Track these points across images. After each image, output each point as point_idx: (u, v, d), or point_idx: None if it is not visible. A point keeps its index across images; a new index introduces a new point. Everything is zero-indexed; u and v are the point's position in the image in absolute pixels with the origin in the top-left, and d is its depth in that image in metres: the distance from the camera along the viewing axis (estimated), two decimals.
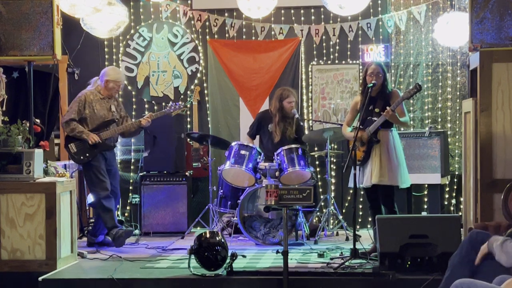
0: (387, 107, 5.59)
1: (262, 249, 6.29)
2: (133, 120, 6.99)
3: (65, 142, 6.56)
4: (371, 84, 5.65)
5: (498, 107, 5.31)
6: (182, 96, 8.20)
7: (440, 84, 7.82)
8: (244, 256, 5.37)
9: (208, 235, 5.27)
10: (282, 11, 8.08)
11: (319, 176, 7.77)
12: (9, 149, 5.46)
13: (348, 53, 8.04)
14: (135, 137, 7.80)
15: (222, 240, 5.26)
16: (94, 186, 6.49)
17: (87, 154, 6.44)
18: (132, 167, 8.16)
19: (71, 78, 8.15)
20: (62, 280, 5.25)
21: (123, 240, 6.39)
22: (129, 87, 8.17)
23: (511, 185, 4.58)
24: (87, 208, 7.63)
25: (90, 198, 7.47)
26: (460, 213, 6.89)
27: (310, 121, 8.02)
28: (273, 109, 7.23)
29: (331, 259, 5.59)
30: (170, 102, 7.17)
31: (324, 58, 8.08)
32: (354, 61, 8.02)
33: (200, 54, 8.22)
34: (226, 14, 8.16)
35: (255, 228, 6.55)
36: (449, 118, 7.77)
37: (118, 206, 7.35)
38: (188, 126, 8.07)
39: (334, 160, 7.72)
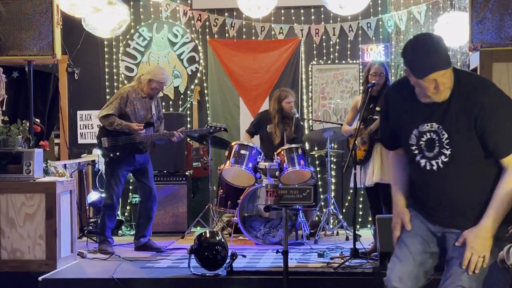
0: None
1: (262, 249, 6.29)
2: (164, 130, 6.45)
3: (98, 135, 6.26)
4: (372, 84, 5.65)
5: None
6: (182, 96, 8.21)
7: None
8: (244, 256, 5.37)
9: (208, 235, 5.27)
10: (282, 11, 8.08)
11: (319, 175, 7.77)
12: (9, 149, 5.46)
13: (348, 53, 8.04)
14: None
15: (222, 240, 5.26)
16: (105, 188, 6.39)
17: (118, 153, 6.17)
18: None
19: (71, 78, 8.16)
20: (62, 280, 5.25)
21: (103, 251, 6.18)
22: None
23: None
24: (87, 208, 7.63)
25: (90, 198, 7.49)
26: None
27: (310, 121, 8.02)
28: (272, 110, 7.20)
29: (331, 259, 5.59)
30: (210, 122, 6.91)
31: (324, 58, 8.08)
32: (354, 61, 8.02)
33: (200, 54, 8.22)
34: (226, 14, 8.16)
35: (255, 228, 6.55)
36: None
37: (155, 207, 6.58)
38: (188, 126, 8.07)
39: (334, 160, 7.72)
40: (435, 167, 2.93)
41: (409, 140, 2.99)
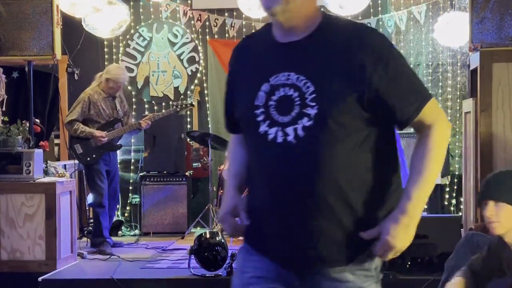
0: None
1: None
2: (133, 120, 6.93)
3: (70, 143, 6.47)
4: None
5: (498, 107, 5.30)
6: (182, 96, 8.20)
7: (440, 84, 7.82)
8: None
9: (208, 236, 5.27)
10: None
11: None
12: (9, 149, 5.46)
13: None
14: (134, 137, 7.79)
15: (222, 240, 5.26)
16: (92, 189, 6.47)
17: (94, 155, 6.33)
18: (132, 167, 8.15)
19: (71, 78, 8.15)
20: (62, 280, 5.25)
21: (102, 252, 6.23)
22: (129, 87, 8.16)
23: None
24: (87, 208, 7.62)
25: (90, 198, 7.49)
26: (460, 213, 6.89)
27: None
28: None
29: None
30: (170, 102, 7.16)
31: None
32: None
33: (200, 54, 8.22)
34: (226, 14, 8.16)
35: None
36: (449, 118, 7.76)
37: (118, 206, 7.34)
38: (188, 126, 8.06)
39: None
40: (290, 137, 1.88)
41: (255, 101, 1.96)
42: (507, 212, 2.91)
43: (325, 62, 1.90)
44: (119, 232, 7.62)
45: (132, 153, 8.17)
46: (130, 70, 8.24)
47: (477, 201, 3.18)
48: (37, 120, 6.40)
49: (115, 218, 7.30)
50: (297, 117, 1.87)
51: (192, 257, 5.19)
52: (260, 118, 1.94)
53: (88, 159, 6.33)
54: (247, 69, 2.06)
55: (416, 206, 1.93)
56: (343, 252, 1.92)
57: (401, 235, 1.92)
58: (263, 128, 1.92)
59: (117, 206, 7.14)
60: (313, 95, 1.87)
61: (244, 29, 8.14)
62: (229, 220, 2.11)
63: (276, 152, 1.90)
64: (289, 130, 1.88)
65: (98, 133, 6.31)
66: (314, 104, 1.86)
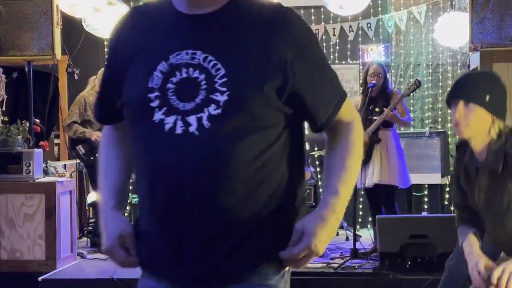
0: (385, 109, 5.58)
1: None
2: None
3: (72, 145, 6.53)
4: (371, 84, 5.65)
5: None
6: None
7: (440, 84, 7.82)
8: None
9: None
10: None
11: (319, 176, 7.77)
12: (9, 149, 5.46)
13: (348, 53, 8.03)
14: None
15: None
16: (96, 188, 6.47)
17: (96, 154, 6.35)
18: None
19: (71, 78, 8.15)
20: (62, 280, 5.24)
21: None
22: None
23: None
24: (87, 208, 7.63)
25: (90, 198, 7.48)
26: None
27: None
28: None
29: (331, 259, 5.58)
30: None
31: None
32: (354, 61, 8.01)
33: None
34: None
35: None
36: (449, 118, 7.76)
37: None
38: None
39: None
40: (193, 128, 1.52)
41: (148, 82, 1.58)
42: (478, 114, 2.67)
43: (239, 43, 1.56)
44: None
45: None
46: None
47: (446, 102, 2.86)
48: (37, 120, 6.40)
49: None
50: (202, 104, 1.52)
51: None
52: (155, 103, 1.55)
53: (91, 158, 6.36)
54: (138, 44, 1.63)
55: (343, 203, 1.65)
56: (244, 266, 1.58)
57: (326, 237, 1.60)
58: (158, 116, 1.54)
59: None
60: (224, 79, 1.52)
61: None
62: (118, 252, 1.68)
63: (173, 145, 1.52)
64: (192, 119, 1.52)
65: (94, 134, 6.35)
66: (224, 89, 1.52)
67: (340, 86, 1.72)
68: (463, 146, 2.86)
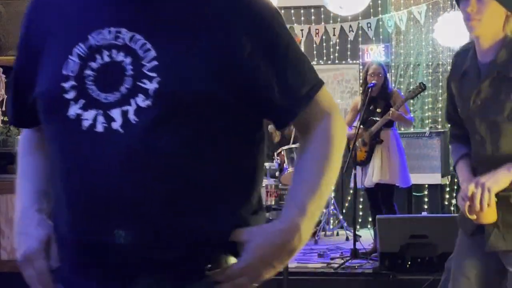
0: (391, 108, 5.57)
1: None
2: None
3: None
4: (371, 84, 5.65)
5: None
6: None
7: (440, 84, 7.82)
8: None
9: None
10: (282, 11, 8.07)
11: None
12: (9, 149, 5.47)
13: (348, 53, 8.04)
14: None
15: None
16: None
17: None
18: None
19: None
20: None
21: None
22: None
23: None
24: None
25: None
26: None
27: None
28: None
29: (331, 259, 5.58)
30: None
31: (324, 58, 8.08)
32: (354, 61, 8.01)
33: None
34: None
35: None
36: None
37: None
38: None
39: None
40: (116, 124, 1.23)
41: (62, 69, 1.28)
42: (491, 8, 2.36)
43: (175, 19, 1.26)
44: None
45: None
46: None
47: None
48: None
49: None
50: (128, 94, 1.23)
51: None
52: (70, 95, 1.25)
53: None
54: (51, 21, 1.33)
55: (310, 223, 1.31)
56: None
57: (287, 256, 1.31)
58: (74, 110, 1.25)
59: None
60: (154, 63, 1.23)
61: None
62: (40, 260, 1.38)
63: (93, 147, 1.23)
64: (116, 113, 1.22)
65: None
66: (154, 75, 1.22)
67: (313, 73, 1.37)
68: (464, 52, 2.60)
